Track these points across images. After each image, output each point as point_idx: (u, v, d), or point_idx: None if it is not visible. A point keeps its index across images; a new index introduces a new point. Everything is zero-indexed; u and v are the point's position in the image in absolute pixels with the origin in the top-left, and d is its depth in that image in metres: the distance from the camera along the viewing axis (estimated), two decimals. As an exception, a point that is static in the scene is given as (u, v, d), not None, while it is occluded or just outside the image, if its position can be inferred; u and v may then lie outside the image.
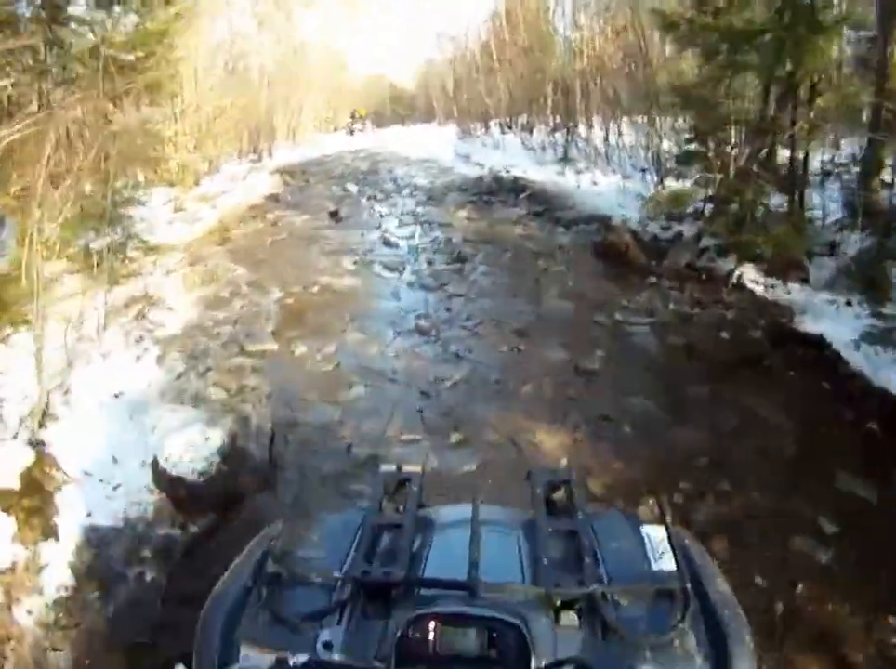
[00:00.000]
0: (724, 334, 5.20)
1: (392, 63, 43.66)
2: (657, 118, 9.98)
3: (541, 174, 12.04)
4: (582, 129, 13.91)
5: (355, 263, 7.14)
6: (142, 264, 7.39)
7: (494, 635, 1.06)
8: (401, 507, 1.45)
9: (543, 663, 1.02)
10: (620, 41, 11.31)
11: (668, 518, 1.30)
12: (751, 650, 1.11)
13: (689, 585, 1.15)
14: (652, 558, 1.27)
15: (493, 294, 6.15)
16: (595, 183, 10.57)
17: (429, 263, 7.12)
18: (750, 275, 6.44)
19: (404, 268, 6.92)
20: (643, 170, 10.97)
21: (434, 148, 20.57)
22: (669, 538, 1.25)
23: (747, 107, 7.07)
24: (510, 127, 19.56)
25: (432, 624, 1.07)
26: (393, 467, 1.59)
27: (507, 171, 12.60)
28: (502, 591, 1.13)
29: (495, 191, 11.51)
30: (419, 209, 10.38)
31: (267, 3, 27.10)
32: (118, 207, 6.92)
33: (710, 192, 7.32)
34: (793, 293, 6.16)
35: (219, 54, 20.99)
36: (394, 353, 4.93)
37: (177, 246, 8.08)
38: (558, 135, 15.45)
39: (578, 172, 11.30)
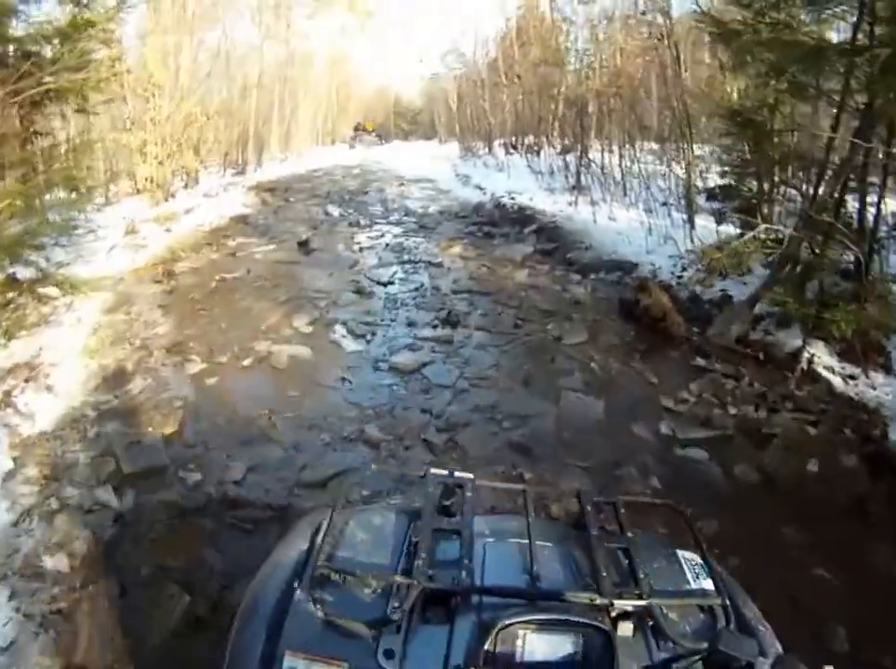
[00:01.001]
0: (811, 463, 3.66)
1: (399, 77, 42.56)
2: (686, 144, 8.54)
3: (550, 203, 10.56)
4: (596, 153, 12.50)
5: (312, 322, 5.55)
6: (56, 307, 5.94)
7: (579, 642, 1.10)
8: (453, 513, 1.41)
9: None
10: (645, 55, 9.86)
11: (704, 545, 1.41)
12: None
13: (728, 602, 1.26)
14: (690, 578, 1.35)
15: (492, 382, 4.54)
16: (613, 218, 9.08)
17: (409, 325, 5.57)
18: (822, 357, 4.93)
19: (374, 335, 5.30)
20: (665, 204, 9.54)
21: (433, 166, 19.15)
22: (706, 561, 1.37)
23: (814, 140, 5.62)
24: (515, 148, 18.13)
25: (521, 632, 1.08)
26: (444, 472, 1.51)
27: (512, 198, 11.12)
28: (566, 600, 1.15)
29: (497, 222, 10.03)
30: (407, 241, 8.87)
31: (267, 10, 26.26)
32: (43, 232, 5.61)
33: (763, 239, 5.82)
34: (879, 387, 4.67)
35: (209, 59, 19.84)
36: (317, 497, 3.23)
37: (107, 282, 6.57)
38: (569, 158, 14.06)
39: (593, 203, 9.82)
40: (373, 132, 34.60)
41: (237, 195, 12.93)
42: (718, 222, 8.10)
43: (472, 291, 6.52)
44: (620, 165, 10.39)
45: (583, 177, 12.11)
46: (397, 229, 9.73)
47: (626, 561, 1.33)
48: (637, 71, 10.43)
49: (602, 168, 11.52)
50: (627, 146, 10.39)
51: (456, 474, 1.52)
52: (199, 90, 16.39)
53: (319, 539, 1.24)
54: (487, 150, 18.83)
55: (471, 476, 1.51)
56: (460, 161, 19.27)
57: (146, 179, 12.56)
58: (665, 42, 8.40)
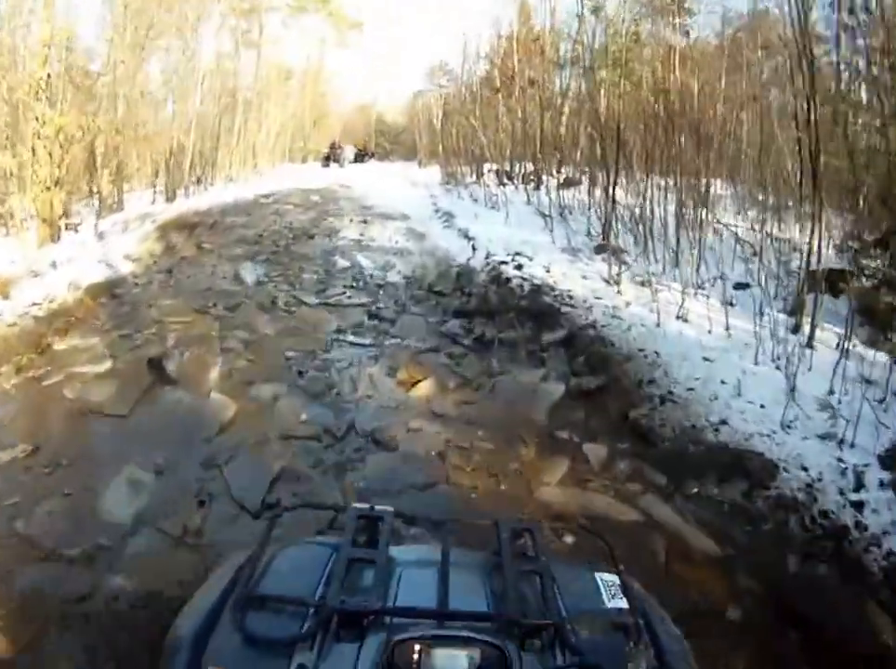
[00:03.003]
0: None
1: (382, 94, 39.49)
2: (814, 204, 5.15)
3: (576, 277, 7.05)
4: (624, 192, 9.14)
5: None
6: None
7: (476, 657, 1.11)
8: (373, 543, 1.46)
9: None
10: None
11: (621, 567, 1.43)
12: None
13: (640, 621, 1.27)
14: (606, 599, 1.36)
15: None
16: (684, 317, 5.60)
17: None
18: None
19: None
20: (744, 286, 6.22)
21: (410, 194, 15.67)
22: (622, 582, 1.39)
23: None
24: (511, 178, 14.72)
25: (416, 647, 1.10)
26: (365, 506, 1.56)
27: (515, 262, 7.57)
28: (472, 619, 1.20)
29: (496, 310, 6.46)
30: (342, 358, 5.25)
31: (241, 14, 22.89)
32: None
33: None
34: None
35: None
36: None
37: None
38: (578, 194, 10.67)
39: (642, 283, 6.40)
40: (363, 151, 31.99)
41: (134, 238, 9.35)
42: (872, 342, 4.75)
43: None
44: (682, 218, 6.97)
45: (612, 228, 8.75)
46: (334, 323, 6.14)
47: (539, 583, 1.35)
48: (714, 89, 7.01)
49: (643, 218, 8.11)
50: (692, 192, 6.96)
51: (377, 508, 1.53)
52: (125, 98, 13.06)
53: (245, 570, 1.28)
54: (475, 177, 15.40)
55: (391, 509, 1.53)
56: (442, 191, 15.79)
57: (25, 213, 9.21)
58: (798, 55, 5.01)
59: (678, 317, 5.55)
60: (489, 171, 15.30)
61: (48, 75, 9.17)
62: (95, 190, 11.55)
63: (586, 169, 11.99)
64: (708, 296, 6.02)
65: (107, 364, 5.00)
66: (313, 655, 1.13)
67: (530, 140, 14.00)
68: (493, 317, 6.43)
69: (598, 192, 9.82)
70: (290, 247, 9.28)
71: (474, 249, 8.81)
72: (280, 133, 25.54)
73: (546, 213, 10.11)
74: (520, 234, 9.00)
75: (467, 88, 18.84)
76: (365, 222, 11.86)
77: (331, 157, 27.19)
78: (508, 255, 7.91)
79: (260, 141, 22.92)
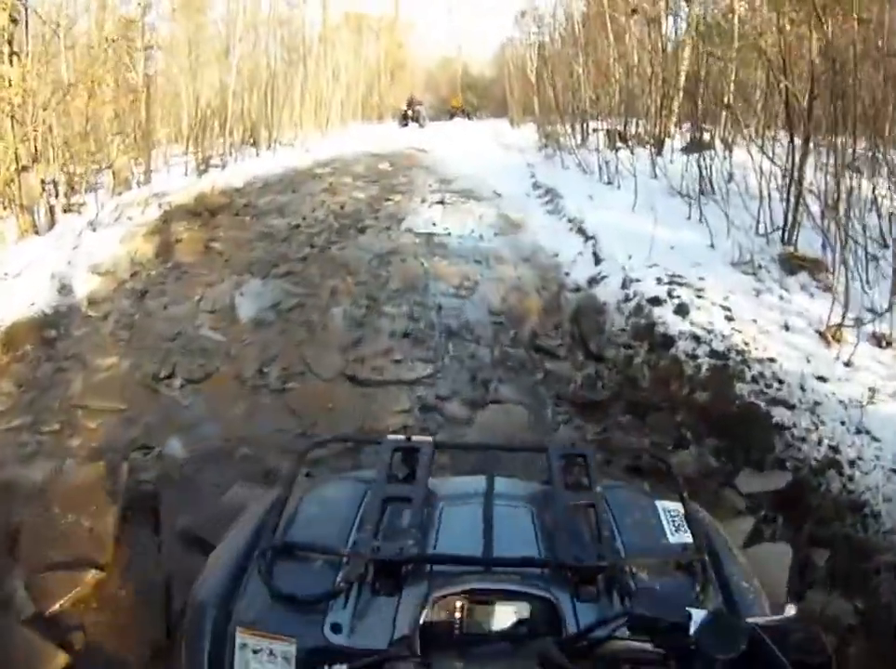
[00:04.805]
0: None
1: (466, 43, 35.94)
2: None
3: (768, 323, 4.13)
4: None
5: None
6: None
7: (524, 610, 1.03)
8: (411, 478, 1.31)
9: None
10: None
11: (685, 494, 1.28)
12: (767, 616, 0.98)
13: (706, 558, 1.15)
14: (669, 533, 1.24)
15: None
16: None
17: None
18: None
19: None
20: None
21: (500, 162, 12.57)
22: (686, 513, 1.25)
23: None
24: (624, 139, 11.25)
25: (458, 603, 1.02)
26: (401, 437, 1.40)
27: (672, 296, 4.49)
28: (520, 565, 1.09)
29: (652, 405, 3.52)
30: None
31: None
32: None
33: None
34: None
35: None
36: None
37: None
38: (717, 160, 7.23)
39: (877, 338, 3.31)
40: (459, 109, 30.09)
41: (121, 233, 6.83)
42: None
43: None
44: None
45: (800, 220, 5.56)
46: (350, 430, 3.34)
47: (594, 518, 1.21)
48: None
49: (849, 210, 4.78)
50: None
51: (414, 438, 1.39)
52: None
53: (271, 516, 1.17)
54: (580, 139, 12.05)
55: (429, 439, 1.39)
56: (540, 157, 12.61)
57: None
58: None
59: None
60: (595, 131, 11.97)
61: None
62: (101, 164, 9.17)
63: (709, 126, 8.73)
64: None
65: None
66: (347, 613, 1.01)
67: (651, 91, 10.55)
68: (644, 416, 3.50)
69: (751, 160, 6.54)
70: (329, 248, 6.49)
71: (597, 257, 5.76)
72: (351, 87, 22.75)
73: (685, 192, 6.94)
74: (660, 231, 5.83)
75: (567, 29, 15.33)
76: (442, 203, 8.92)
77: (409, 115, 24.09)
78: (657, 278, 4.84)
79: (328, 97, 20.19)
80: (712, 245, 5.86)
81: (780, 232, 5.82)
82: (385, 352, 4.21)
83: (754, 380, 3.71)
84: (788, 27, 6.09)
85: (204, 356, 4.19)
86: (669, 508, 1.28)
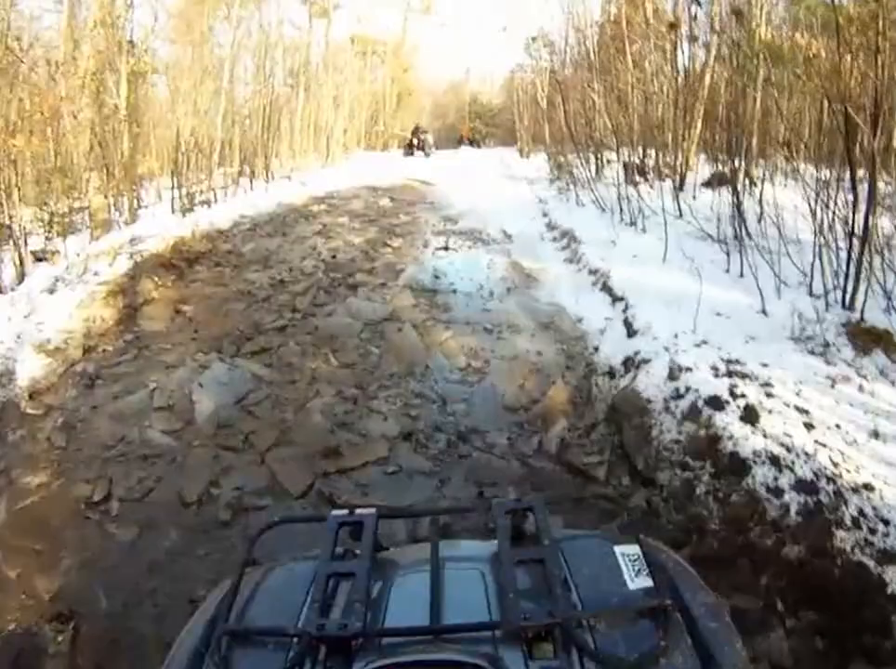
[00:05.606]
0: None
1: (474, 70, 35.32)
2: None
3: (855, 431, 3.26)
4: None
5: None
6: None
7: None
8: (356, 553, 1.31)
9: None
10: None
11: (641, 535, 1.23)
12: (743, 659, 1.06)
13: (669, 602, 1.11)
14: (628, 579, 1.20)
15: None
16: None
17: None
18: None
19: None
20: None
21: (510, 199, 11.67)
22: (644, 555, 1.21)
23: None
24: (643, 173, 10.36)
25: None
26: (345, 511, 1.40)
27: (735, 394, 3.54)
28: (469, 630, 1.08)
29: (724, 556, 2.61)
30: None
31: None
32: None
33: None
34: None
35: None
36: None
37: None
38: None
39: None
40: (468, 140, 29.29)
41: (79, 293, 5.95)
42: None
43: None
44: None
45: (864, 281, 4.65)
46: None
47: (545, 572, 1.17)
48: None
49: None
50: None
51: (357, 511, 1.38)
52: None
53: (224, 603, 1.17)
54: (594, 171, 11.13)
55: (373, 511, 1.37)
56: (552, 191, 11.73)
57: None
58: None
59: None
60: (609, 162, 11.09)
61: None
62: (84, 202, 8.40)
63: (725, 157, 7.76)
64: None
65: None
66: None
67: (672, 119, 9.69)
68: (718, 575, 2.56)
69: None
70: (314, 313, 5.56)
71: (630, 326, 4.82)
72: (355, 114, 22.03)
73: (717, 236, 6.08)
74: (703, 289, 4.86)
75: (580, 53, 14.54)
76: (446, 249, 8.01)
77: (414, 144, 23.26)
78: (713, 367, 3.88)
79: (330, 124, 19.45)
80: (763, 311, 4.93)
81: (838, 292, 4.90)
82: (362, 487, 3.25)
83: (855, 524, 2.78)
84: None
85: (145, 467, 3.27)
86: (626, 552, 1.23)
